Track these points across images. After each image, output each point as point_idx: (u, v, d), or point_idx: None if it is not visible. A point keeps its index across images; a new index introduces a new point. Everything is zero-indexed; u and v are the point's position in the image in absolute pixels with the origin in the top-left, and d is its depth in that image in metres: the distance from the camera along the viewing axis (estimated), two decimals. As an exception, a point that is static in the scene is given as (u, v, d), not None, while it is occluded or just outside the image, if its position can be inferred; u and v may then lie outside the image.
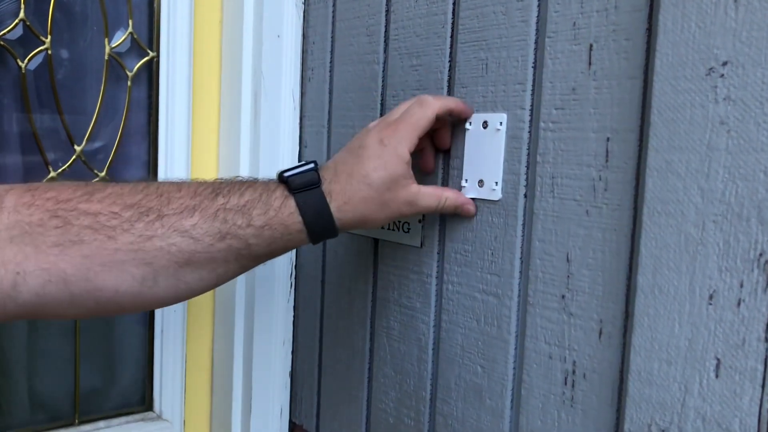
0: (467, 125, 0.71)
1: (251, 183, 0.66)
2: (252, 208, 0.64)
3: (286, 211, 0.64)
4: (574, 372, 0.63)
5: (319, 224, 0.66)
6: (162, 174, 0.99)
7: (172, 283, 0.63)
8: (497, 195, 0.69)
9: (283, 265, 1.00)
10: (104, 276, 0.60)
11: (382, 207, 0.67)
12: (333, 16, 0.92)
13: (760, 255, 0.48)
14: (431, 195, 0.69)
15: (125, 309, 0.64)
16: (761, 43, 0.48)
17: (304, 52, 0.98)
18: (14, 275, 0.57)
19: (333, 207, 0.66)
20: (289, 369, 1.03)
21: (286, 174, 0.66)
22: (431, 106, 0.68)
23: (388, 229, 0.82)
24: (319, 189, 0.66)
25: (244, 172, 0.98)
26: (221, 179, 0.67)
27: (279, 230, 0.64)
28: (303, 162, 0.70)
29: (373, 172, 0.66)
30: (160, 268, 0.61)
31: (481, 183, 0.71)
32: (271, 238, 0.65)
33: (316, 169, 0.67)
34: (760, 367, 0.48)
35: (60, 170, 0.93)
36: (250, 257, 0.65)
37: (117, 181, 0.72)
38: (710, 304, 0.51)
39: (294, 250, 1.00)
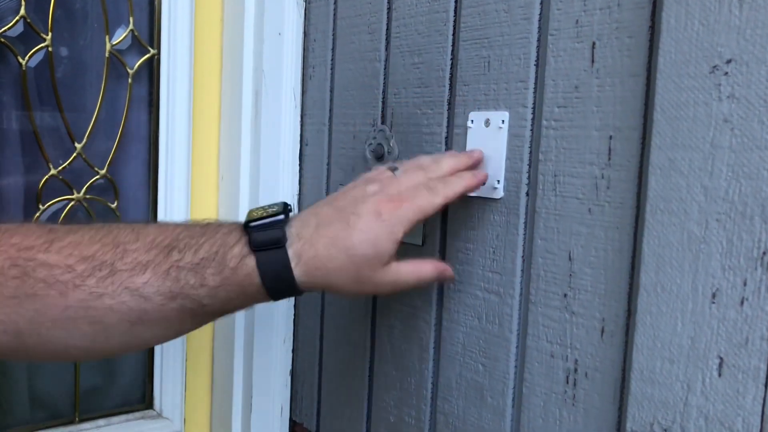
0: (469, 123, 0.71)
1: (213, 232, 0.62)
2: (206, 267, 0.59)
3: (243, 272, 0.60)
4: (575, 370, 0.63)
5: (279, 288, 0.61)
6: (163, 171, 0.99)
7: (126, 340, 0.60)
8: (499, 193, 0.69)
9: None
10: (55, 332, 0.58)
11: (355, 282, 0.62)
12: (334, 14, 0.92)
13: (764, 253, 0.48)
14: (411, 273, 0.65)
15: (77, 360, 0.64)
16: (765, 40, 0.47)
17: (305, 49, 0.98)
18: None
19: (300, 271, 0.61)
20: (289, 367, 1.02)
21: (252, 224, 0.62)
22: (441, 194, 0.64)
23: (390, 227, 0.82)
24: (283, 250, 0.61)
25: (245, 170, 0.98)
26: (185, 225, 0.63)
27: (234, 291, 0.60)
28: (275, 210, 0.64)
29: (360, 245, 0.61)
30: (111, 326, 0.59)
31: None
32: (227, 299, 0.61)
33: (283, 225, 0.62)
34: (764, 366, 0.48)
35: (60, 168, 0.93)
36: (205, 315, 0.62)
37: (97, 220, 0.76)
38: (713, 302, 0.51)
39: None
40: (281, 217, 0.62)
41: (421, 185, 0.64)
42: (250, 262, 0.60)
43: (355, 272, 0.61)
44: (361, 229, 0.61)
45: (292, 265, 0.60)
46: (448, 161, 0.68)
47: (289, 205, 0.66)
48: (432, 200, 0.64)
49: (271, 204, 0.66)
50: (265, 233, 0.61)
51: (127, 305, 0.58)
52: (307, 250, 0.61)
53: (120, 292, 0.58)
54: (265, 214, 0.63)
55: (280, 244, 0.60)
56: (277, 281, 0.61)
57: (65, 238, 0.59)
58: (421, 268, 0.66)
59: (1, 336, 0.57)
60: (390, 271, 0.63)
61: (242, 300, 0.62)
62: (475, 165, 0.69)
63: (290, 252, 0.60)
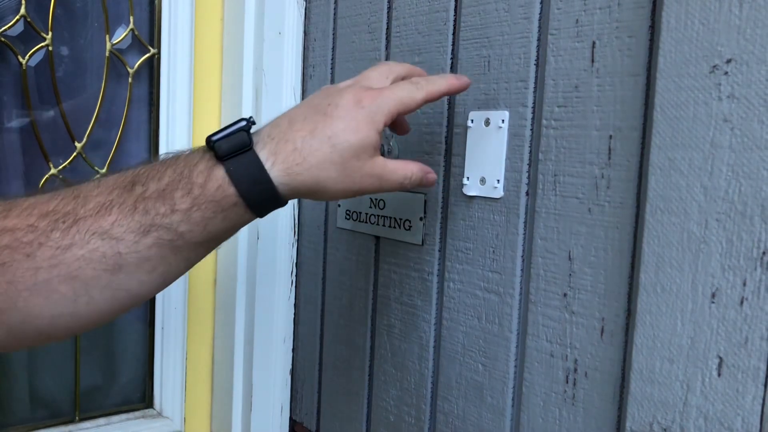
0: (469, 123, 0.71)
1: (174, 160, 0.57)
2: (173, 191, 0.54)
3: (213, 185, 0.54)
4: (575, 370, 0.63)
5: (257, 194, 0.56)
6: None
7: (110, 295, 0.55)
8: (499, 193, 0.69)
9: (284, 262, 0.99)
10: (34, 301, 0.52)
11: (343, 175, 0.58)
12: (334, 13, 0.92)
13: (764, 253, 0.48)
14: (397, 170, 0.62)
15: (70, 332, 0.56)
16: (766, 40, 0.47)
17: (305, 49, 0.98)
18: None
19: (278, 171, 0.55)
20: (289, 367, 1.02)
21: (213, 138, 0.56)
22: (425, 89, 0.62)
23: (389, 226, 0.82)
24: (252, 151, 0.55)
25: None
26: (144, 163, 0.57)
27: (210, 209, 0.55)
28: (236, 120, 0.58)
29: (342, 133, 0.56)
30: (89, 280, 0.53)
31: (482, 181, 0.70)
32: (204, 220, 0.55)
33: (248, 128, 0.56)
34: (763, 366, 0.48)
35: (61, 167, 0.93)
36: (188, 247, 0.56)
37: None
38: (713, 302, 0.51)
39: (295, 249, 1.00)
40: (242, 123, 0.57)
41: (407, 83, 0.62)
42: (219, 172, 0.54)
43: (341, 163, 0.57)
44: (341, 116, 0.57)
45: (267, 166, 0.55)
46: (406, 64, 0.66)
47: (252, 118, 0.59)
48: (413, 94, 0.61)
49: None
50: (228, 141, 0.55)
51: (99, 251, 0.53)
52: (283, 147, 0.56)
53: (88, 239, 0.53)
54: (224, 127, 0.57)
55: (247, 146, 0.55)
56: (253, 186, 0.55)
57: (23, 203, 0.54)
58: (407, 166, 0.63)
59: None
60: (377, 164, 0.59)
61: (222, 220, 0.56)
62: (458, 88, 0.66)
63: (263, 153, 0.55)
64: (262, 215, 0.58)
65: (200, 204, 0.54)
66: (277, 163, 0.55)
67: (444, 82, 0.64)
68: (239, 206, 0.55)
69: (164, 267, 0.56)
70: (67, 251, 0.52)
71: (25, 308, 0.53)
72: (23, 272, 0.52)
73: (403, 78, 0.64)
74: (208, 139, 0.56)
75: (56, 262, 0.52)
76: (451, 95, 0.67)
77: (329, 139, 0.56)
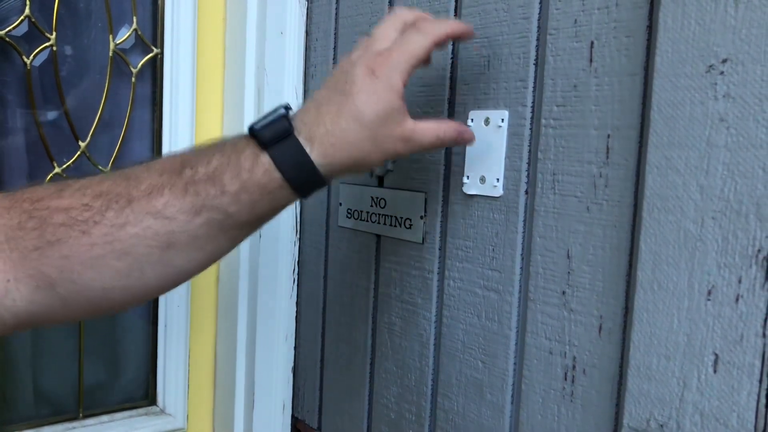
0: (469, 122, 0.72)
1: (221, 146, 0.60)
2: (222, 174, 0.57)
3: (260, 170, 0.58)
4: (574, 367, 0.63)
5: (301, 177, 0.59)
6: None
7: (161, 270, 0.58)
8: (498, 191, 0.69)
9: (286, 260, 1.00)
10: (87, 275, 0.56)
11: (375, 146, 0.60)
12: (336, 13, 0.93)
13: (758, 251, 0.48)
14: (429, 129, 0.62)
15: (121, 305, 0.60)
16: (761, 40, 0.48)
17: (307, 48, 0.98)
18: (5, 284, 0.55)
19: (316, 154, 0.58)
20: (291, 364, 1.03)
21: (256, 126, 0.59)
22: (430, 33, 0.61)
23: (390, 225, 0.83)
24: (293, 137, 0.58)
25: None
26: (191, 148, 0.62)
27: (257, 192, 0.58)
28: (274, 108, 0.61)
29: (365, 108, 0.59)
30: (141, 256, 0.57)
31: (482, 179, 0.71)
32: (251, 202, 0.58)
33: (287, 115, 0.59)
34: (758, 363, 0.49)
35: (65, 166, 0.93)
36: (235, 227, 0.59)
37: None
38: (709, 299, 0.51)
39: (297, 248, 1.00)
40: (282, 111, 0.60)
41: (411, 30, 0.62)
42: (264, 158, 0.58)
43: (371, 136, 0.59)
44: (359, 91, 0.59)
45: (307, 150, 0.58)
46: (419, 12, 0.66)
47: (289, 105, 0.63)
48: (421, 42, 0.61)
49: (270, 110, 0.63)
50: (271, 128, 0.58)
51: (152, 230, 0.56)
52: (316, 130, 0.59)
53: (142, 218, 0.56)
54: (264, 116, 0.60)
55: (287, 133, 0.58)
56: (298, 170, 0.59)
57: (74, 184, 0.58)
58: (439, 126, 0.63)
59: (36, 292, 0.56)
60: (407, 127, 0.61)
61: (269, 202, 0.59)
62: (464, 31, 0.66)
63: (301, 138, 0.58)
64: (306, 197, 0.61)
65: (248, 187, 0.57)
66: (315, 146, 0.58)
67: (447, 24, 0.63)
68: (285, 189, 0.59)
69: (213, 246, 0.59)
70: (121, 230, 0.56)
71: (79, 281, 0.56)
72: (79, 248, 0.55)
73: (412, 24, 0.64)
74: (251, 127, 0.58)
75: (111, 239, 0.56)
76: (456, 39, 0.67)
77: (355, 116, 0.58)
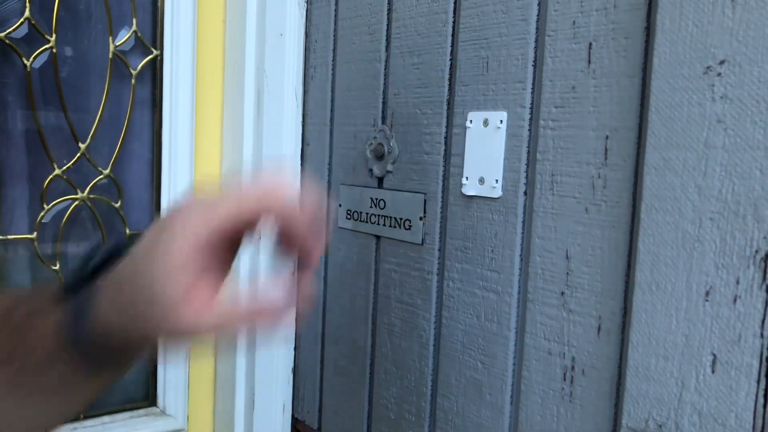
0: (468, 123, 0.72)
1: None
2: None
3: None
4: (573, 368, 0.63)
5: None
6: (166, 171, 1.00)
7: None
8: (497, 192, 0.69)
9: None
10: None
11: None
12: (335, 15, 0.93)
13: (756, 252, 0.49)
14: None
15: None
16: (758, 42, 0.48)
17: (306, 50, 0.99)
18: None
19: None
20: (291, 365, 1.03)
21: None
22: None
23: (390, 226, 0.83)
24: None
25: (247, 169, 0.99)
26: None
27: None
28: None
29: None
30: None
31: (481, 180, 0.71)
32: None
33: None
34: (756, 363, 0.49)
35: (65, 167, 0.94)
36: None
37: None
38: (707, 300, 0.51)
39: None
40: None
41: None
42: None
43: None
44: None
45: None
46: None
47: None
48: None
49: None
50: None
51: None
52: None
53: None
54: None
55: None
56: None
57: None
58: None
59: None
60: None
61: None
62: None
63: None
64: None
65: None
66: None
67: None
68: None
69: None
70: None
71: None
72: None
73: None
74: None
75: None
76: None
77: None
